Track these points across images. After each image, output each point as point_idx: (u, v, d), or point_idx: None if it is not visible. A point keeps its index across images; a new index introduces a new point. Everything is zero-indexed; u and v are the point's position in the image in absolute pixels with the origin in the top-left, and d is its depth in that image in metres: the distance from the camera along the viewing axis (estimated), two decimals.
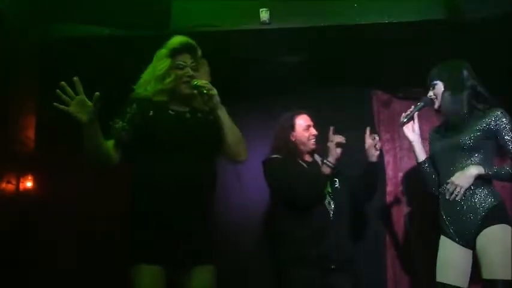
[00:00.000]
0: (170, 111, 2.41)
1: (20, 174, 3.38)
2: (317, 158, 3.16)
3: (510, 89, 3.65)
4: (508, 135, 2.58)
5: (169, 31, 3.10)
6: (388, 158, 3.83)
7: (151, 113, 2.37)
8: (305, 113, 3.16)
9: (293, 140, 3.09)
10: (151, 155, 2.31)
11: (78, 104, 2.17)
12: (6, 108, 3.25)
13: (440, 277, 2.62)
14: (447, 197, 2.62)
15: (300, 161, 3.12)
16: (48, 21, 3.31)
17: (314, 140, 3.11)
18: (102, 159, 2.30)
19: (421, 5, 3.30)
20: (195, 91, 2.37)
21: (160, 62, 2.41)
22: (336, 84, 3.86)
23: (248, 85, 3.83)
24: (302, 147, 3.10)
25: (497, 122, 2.60)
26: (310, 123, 3.12)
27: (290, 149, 3.07)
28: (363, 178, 3.11)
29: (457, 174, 2.61)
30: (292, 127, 3.11)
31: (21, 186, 3.37)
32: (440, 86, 2.75)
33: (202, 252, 2.35)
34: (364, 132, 3.14)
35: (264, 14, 3.29)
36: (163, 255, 2.25)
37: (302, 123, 3.11)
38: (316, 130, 3.16)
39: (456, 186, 2.58)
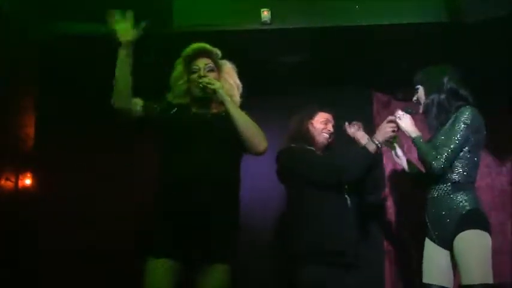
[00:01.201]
0: (192, 112, 2.52)
1: (19, 172, 3.37)
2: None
3: (511, 90, 3.67)
4: (450, 132, 2.61)
5: (171, 30, 3.11)
6: (386, 160, 3.83)
7: (174, 109, 2.49)
8: (329, 112, 3.12)
9: (310, 128, 3.05)
10: (173, 150, 2.39)
11: (124, 26, 2.37)
12: (6, 106, 3.24)
13: (426, 278, 2.68)
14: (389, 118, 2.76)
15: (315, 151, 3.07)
16: (48, 19, 3.30)
17: (329, 135, 3.07)
18: (126, 99, 2.37)
19: (422, 6, 3.31)
20: (205, 91, 2.47)
21: (176, 69, 2.58)
22: (336, 85, 3.87)
23: (248, 85, 3.82)
24: (317, 137, 3.04)
25: (456, 118, 2.63)
26: (331, 120, 3.10)
27: (305, 137, 3.03)
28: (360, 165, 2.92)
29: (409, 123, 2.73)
30: (311, 116, 3.08)
31: (20, 184, 3.37)
32: (421, 91, 2.81)
33: (219, 251, 2.37)
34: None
35: (265, 14, 3.29)
36: (180, 250, 2.29)
37: (323, 116, 3.09)
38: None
39: (394, 119, 2.74)
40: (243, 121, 2.47)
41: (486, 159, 3.88)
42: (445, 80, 2.73)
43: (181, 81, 2.53)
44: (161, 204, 2.37)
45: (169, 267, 2.27)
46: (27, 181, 3.45)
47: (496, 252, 3.66)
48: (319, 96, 3.79)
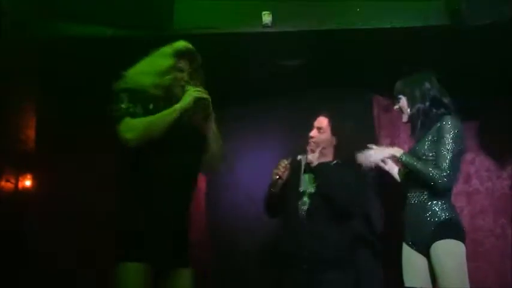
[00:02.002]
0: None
1: (19, 173, 3.37)
2: (300, 157, 3.14)
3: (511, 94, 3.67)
4: (442, 147, 2.59)
5: (171, 33, 3.11)
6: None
7: (151, 106, 2.35)
8: (322, 114, 3.12)
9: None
10: (150, 150, 2.30)
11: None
12: (6, 107, 3.25)
13: (407, 282, 2.73)
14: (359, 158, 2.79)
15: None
16: (49, 20, 3.30)
17: (312, 142, 3.07)
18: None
19: (423, 10, 3.30)
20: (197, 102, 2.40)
21: (164, 59, 2.42)
22: (336, 88, 3.86)
23: (249, 88, 3.83)
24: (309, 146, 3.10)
25: (440, 131, 2.63)
26: (318, 124, 3.09)
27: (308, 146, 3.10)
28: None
29: (379, 148, 2.80)
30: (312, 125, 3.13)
31: (20, 185, 3.37)
32: (404, 100, 2.82)
33: (186, 254, 2.39)
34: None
35: (266, 17, 3.28)
36: (154, 253, 2.25)
37: (315, 123, 3.11)
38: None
39: (370, 152, 2.75)
40: (218, 143, 2.50)
41: (486, 163, 3.88)
42: (427, 88, 2.75)
43: (168, 77, 2.40)
44: (135, 205, 2.32)
45: (144, 272, 2.23)
46: (27, 182, 3.45)
47: (497, 256, 3.71)
48: (320, 99, 3.80)
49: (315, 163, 3.00)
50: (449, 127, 2.60)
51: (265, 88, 3.79)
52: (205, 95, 2.39)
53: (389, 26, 3.31)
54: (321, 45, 3.49)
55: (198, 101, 2.36)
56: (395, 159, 2.82)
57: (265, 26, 3.30)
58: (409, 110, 2.79)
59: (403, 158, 2.69)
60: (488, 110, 3.84)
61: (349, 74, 3.72)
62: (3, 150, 3.21)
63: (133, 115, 2.26)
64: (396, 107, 2.87)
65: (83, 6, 3.05)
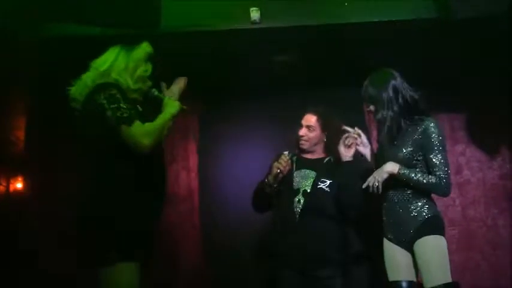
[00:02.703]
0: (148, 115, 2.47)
1: (11, 176, 3.36)
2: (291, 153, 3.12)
3: (502, 88, 3.69)
4: (433, 153, 2.60)
5: (160, 31, 3.10)
6: None
7: (139, 108, 2.41)
8: (309, 112, 3.11)
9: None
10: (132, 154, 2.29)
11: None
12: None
13: (392, 276, 2.75)
14: (364, 186, 2.71)
15: (303, 156, 3.11)
16: (38, 21, 3.28)
17: (302, 141, 3.07)
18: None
19: (412, 3, 3.31)
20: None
21: (143, 64, 2.47)
22: (327, 84, 3.86)
23: (239, 85, 3.83)
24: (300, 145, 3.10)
25: (426, 135, 2.63)
26: (306, 122, 3.08)
27: (297, 143, 3.11)
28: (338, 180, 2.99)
29: (377, 171, 2.69)
30: (301, 120, 3.11)
31: (11, 188, 3.36)
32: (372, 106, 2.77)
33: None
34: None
35: (255, 14, 3.27)
36: (143, 252, 2.31)
37: (303, 121, 3.11)
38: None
39: (374, 179, 2.66)
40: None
41: (477, 154, 3.91)
42: (397, 92, 2.69)
43: (148, 83, 2.50)
44: (119, 207, 2.30)
45: (136, 271, 2.28)
46: (19, 185, 3.44)
47: (489, 245, 3.74)
48: (311, 95, 3.80)
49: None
50: (436, 133, 2.61)
51: (255, 84, 3.79)
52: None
53: (378, 20, 3.32)
54: (310, 40, 3.49)
55: (180, 109, 2.47)
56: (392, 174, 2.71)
57: (254, 22, 3.29)
58: (379, 114, 2.72)
59: (401, 173, 2.63)
60: (477, 101, 3.86)
61: (339, 68, 3.72)
62: None
63: (135, 118, 2.25)
64: (368, 109, 2.82)
65: (69, 5, 3.04)
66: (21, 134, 3.50)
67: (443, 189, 2.61)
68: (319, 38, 3.47)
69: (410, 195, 2.68)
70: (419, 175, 2.62)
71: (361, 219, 3.68)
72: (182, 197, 3.94)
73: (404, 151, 2.67)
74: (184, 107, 2.51)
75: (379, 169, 2.69)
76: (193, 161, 3.99)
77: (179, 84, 2.72)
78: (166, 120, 2.36)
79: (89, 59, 2.55)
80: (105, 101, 2.22)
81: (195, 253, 3.86)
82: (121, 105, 2.22)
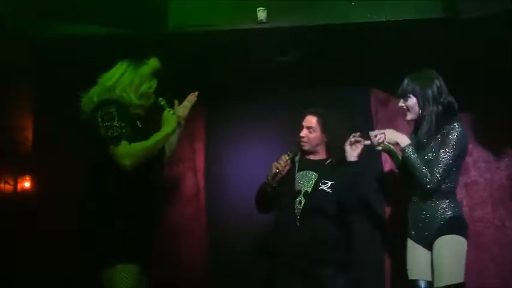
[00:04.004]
0: (150, 129, 2.56)
1: (18, 175, 3.37)
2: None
3: (508, 88, 3.67)
4: (442, 151, 2.65)
5: (166, 30, 3.11)
6: (385, 157, 3.82)
7: (139, 124, 2.52)
8: (309, 113, 3.11)
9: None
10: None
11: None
12: (4, 109, 3.25)
13: (412, 275, 2.80)
14: (370, 134, 2.78)
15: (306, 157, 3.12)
16: (45, 21, 3.30)
17: (303, 143, 3.07)
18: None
19: (419, 3, 3.30)
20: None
21: (148, 80, 2.56)
22: (333, 83, 3.86)
23: (245, 84, 3.83)
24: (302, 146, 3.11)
25: (446, 136, 2.68)
26: (307, 123, 3.08)
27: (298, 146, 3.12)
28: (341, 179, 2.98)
29: (393, 131, 2.78)
30: (302, 122, 3.12)
31: (19, 187, 3.37)
32: (412, 99, 2.79)
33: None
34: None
35: (261, 13, 3.28)
36: (143, 254, 2.41)
37: (303, 123, 3.11)
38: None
39: (383, 135, 2.74)
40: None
41: (485, 154, 3.89)
42: (439, 90, 2.74)
43: (152, 99, 2.59)
44: (124, 213, 2.40)
45: (137, 273, 2.36)
46: (26, 184, 3.45)
47: (497, 246, 3.72)
48: (317, 94, 3.80)
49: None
50: (457, 136, 2.65)
51: (262, 84, 3.79)
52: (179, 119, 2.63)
53: (384, 20, 3.31)
54: (317, 40, 3.49)
55: (179, 125, 2.58)
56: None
57: (260, 22, 3.29)
58: (418, 110, 2.78)
59: (406, 150, 2.69)
60: (485, 101, 3.84)
61: (346, 68, 3.72)
62: (2, 152, 3.21)
63: (127, 136, 2.33)
64: (402, 105, 2.85)
65: (77, 5, 3.05)
66: (29, 134, 3.52)
67: (427, 184, 2.64)
68: (326, 38, 3.46)
69: (434, 195, 2.71)
70: (418, 161, 2.66)
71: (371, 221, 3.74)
72: (188, 197, 3.93)
73: (428, 152, 2.72)
74: (182, 122, 2.70)
75: (393, 131, 2.77)
76: (200, 161, 3.98)
77: (190, 99, 2.88)
78: (158, 140, 2.45)
79: (97, 59, 2.58)
80: (99, 119, 2.33)
81: (201, 253, 3.86)
82: (114, 123, 2.31)
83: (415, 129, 2.91)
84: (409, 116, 2.85)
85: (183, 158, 3.97)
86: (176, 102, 2.82)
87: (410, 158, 2.68)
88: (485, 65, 3.55)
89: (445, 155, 2.64)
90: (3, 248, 3.09)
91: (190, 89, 2.91)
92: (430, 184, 2.64)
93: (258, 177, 3.22)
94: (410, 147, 2.70)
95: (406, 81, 2.83)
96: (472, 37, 3.33)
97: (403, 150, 2.71)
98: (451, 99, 2.76)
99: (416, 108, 2.79)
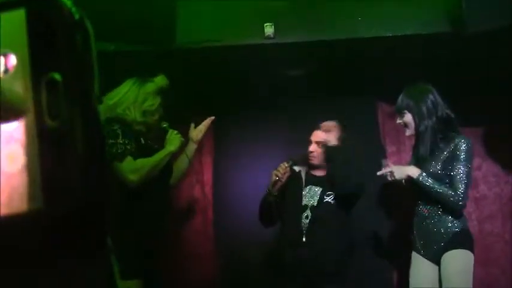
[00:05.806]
0: (154, 145, 2.62)
1: None
2: (300, 169, 3.15)
3: None
4: (457, 166, 2.65)
5: (174, 47, 3.13)
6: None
7: (142, 141, 2.55)
8: (318, 128, 3.14)
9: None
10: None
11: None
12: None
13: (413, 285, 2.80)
14: (379, 174, 2.78)
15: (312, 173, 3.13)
16: None
17: (311, 158, 3.08)
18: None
19: (425, 18, 3.30)
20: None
21: (151, 98, 2.58)
22: (340, 97, 3.87)
23: (253, 99, 3.85)
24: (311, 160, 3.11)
25: (455, 150, 2.68)
26: (316, 138, 3.10)
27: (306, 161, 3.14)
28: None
29: (399, 166, 2.78)
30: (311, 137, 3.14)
31: None
32: (408, 116, 2.80)
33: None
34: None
35: (269, 29, 3.29)
36: (145, 269, 2.45)
37: (312, 137, 3.12)
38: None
39: (391, 171, 2.72)
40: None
41: (494, 168, 3.87)
42: (433, 103, 2.75)
43: (156, 116, 2.63)
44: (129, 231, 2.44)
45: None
46: None
47: (507, 260, 3.69)
48: (324, 109, 3.80)
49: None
50: (466, 149, 2.66)
51: (270, 99, 3.80)
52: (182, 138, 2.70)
53: (391, 35, 3.31)
54: (324, 55, 3.50)
55: (182, 144, 2.67)
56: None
57: (268, 37, 3.31)
58: (414, 125, 2.79)
59: (421, 179, 2.68)
60: (494, 116, 3.82)
61: (352, 82, 3.72)
62: None
63: (132, 152, 2.39)
64: (400, 121, 2.86)
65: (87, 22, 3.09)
66: None
67: (457, 202, 2.64)
68: (332, 52, 3.47)
69: (440, 210, 2.71)
70: (436, 184, 2.64)
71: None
72: (196, 210, 3.95)
73: (434, 166, 2.71)
74: (195, 145, 2.87)
75: (401, 166, 2.78)
76: (207, 174, 4.00)
77: (206, 124, 2.94)
78: (162, 157, 2.51)
79: (103, 75, 2.60)
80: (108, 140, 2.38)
81: (209, 266, 3.86)
82: (118, 141, 2.36)
83: (415, 144, 2.91)
84: (408, 132, 2.86)
85: (191, 171, 3.98)
86: (192, 125, 2.86)
87: (428, 185, 2.66)
88: (493, 79, 3.54)
89: (463, 170, 2.64)
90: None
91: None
92: (459, 202, 2.64)
93: (265, 190, 3.23)
94: (423, 174, 2.68)
95: (400, 97, 2.84)
96: (478, 51, 3.32)
97: (417, 181, 2.69)
98: (448, 112, 2.75)
99: (413, 123, 2.80)
